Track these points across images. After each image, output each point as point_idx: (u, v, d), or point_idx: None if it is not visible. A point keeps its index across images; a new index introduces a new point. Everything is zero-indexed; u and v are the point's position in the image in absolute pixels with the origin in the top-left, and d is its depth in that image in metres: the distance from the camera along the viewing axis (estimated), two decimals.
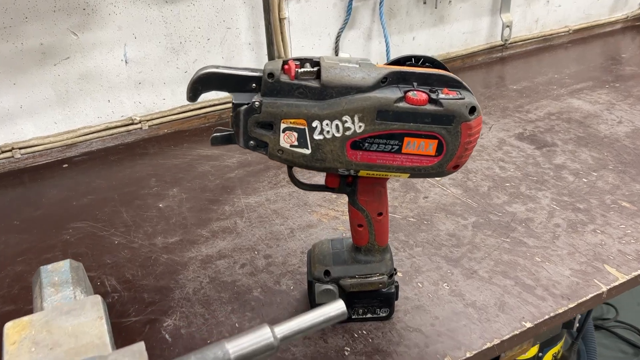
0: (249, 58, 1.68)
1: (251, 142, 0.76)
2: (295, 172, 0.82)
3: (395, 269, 0.91)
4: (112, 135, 1.58)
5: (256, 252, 1.10)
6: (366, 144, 0.75)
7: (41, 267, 0.90)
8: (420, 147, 0.75)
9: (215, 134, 0.79)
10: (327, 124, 0.73)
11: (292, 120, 0.73)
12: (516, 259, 1.05)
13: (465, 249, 1.09)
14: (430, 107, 0.72)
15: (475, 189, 1.30)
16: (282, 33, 1.65)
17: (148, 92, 1.59)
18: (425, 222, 1.19)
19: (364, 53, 1.87)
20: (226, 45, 1.64)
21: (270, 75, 0.73)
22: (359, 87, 0.72)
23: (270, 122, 0.74)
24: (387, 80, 0.73)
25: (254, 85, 0.75)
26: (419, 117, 0.72)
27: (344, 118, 0.72)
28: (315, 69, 0.74)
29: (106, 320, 0.66)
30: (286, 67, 0.74)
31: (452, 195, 1.28)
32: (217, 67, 0.75)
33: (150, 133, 1.63)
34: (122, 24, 1.48)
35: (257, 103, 0.73)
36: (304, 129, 0.74)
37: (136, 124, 1.59)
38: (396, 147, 0.75)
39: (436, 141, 0.75)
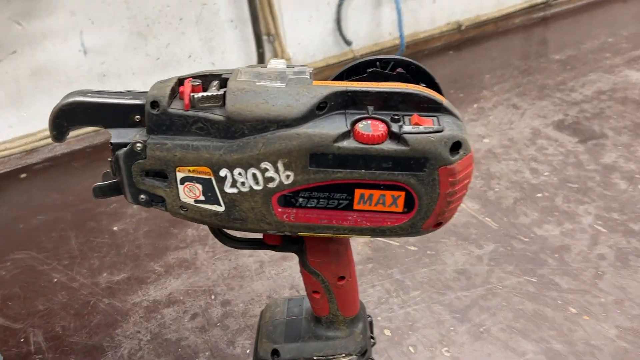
0: (233, 38, 1.44)
1: (141, 196, 0.54)
2: None
3: (372, 340, 0.68)
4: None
5: (213, 297, 0.90)
6: (300, 200, 0.51)
7: None
8: (381, 202, 0.51)
9: (98, 184, 0.57)
10: (239, 173, 0.50)
11: (191, 168, 0.50)
12: (543, 310, 0.81)
13: (477, 293, 0.85)
14: (389, 145, 0.48)
15: (497, 201, 1.04)
16: (270, 5, 1.39)
17: (115, 85, 1.38)
18: (428, 252, 0.94)
19: (372, 24, 1.59)
20: (203, 25, 1.40)
21: (154, 104, 0.50)
22: (281, 120, 0.48)
23: (163, 170, 0.51)
24: (326, 106, 0.49)
25: (137, 117, 0.52)
26: (374, 162, 0.48)
27: (263, 165, 0.49)
28: (221, 92, 0.50)
29: None
30: (180, 89, 0.51)
31: (466, 211, 1.02)
32: (85, 93, 0.53)
33: None
34: (74, 8, 1.27)
35: (138, 145, 0.50)
36: (210, 179, 0.51)
37: None
38: (345, 202, 0.51)
39: (403, 193, 0.50)
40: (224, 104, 0.51)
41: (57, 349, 0.85)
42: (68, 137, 0.55)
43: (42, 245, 1.08)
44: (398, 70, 0.56)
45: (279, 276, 0.93)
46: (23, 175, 1.33)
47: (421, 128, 0.49)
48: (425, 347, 0.77)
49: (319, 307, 0.65)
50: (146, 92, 0.54)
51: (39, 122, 1.36)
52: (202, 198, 0.53)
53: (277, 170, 0.50)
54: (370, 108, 0.51)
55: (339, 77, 0.56)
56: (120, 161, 0.53)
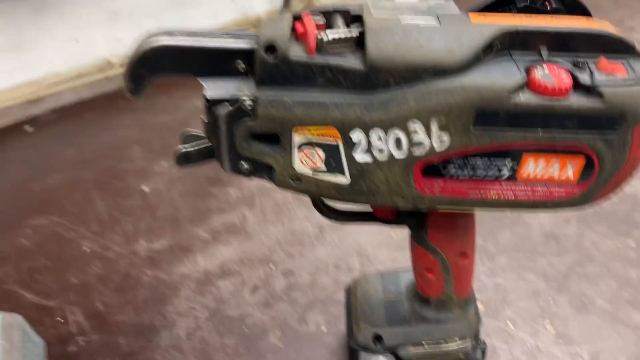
0: None
1: (243, 164, 0.43)
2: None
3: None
4: (86, 84, 1.25)
5: (272, 266, 0.81)
6: (452, 169, 0.41)
7: None
8: (552, 170, 0.41)
9: (184, 149, 0.46)
10: (379, 137, 0.40)
11: (314, 130, 0.40)
12: None
13: (571, 258, 0.77)
14: (579, 100, 0.38)
15: None
16: None
17: (127, 25, 1.23)
18: (508, 213, 0.86)
19: None
20: None
21: (270, 48, 0.39)
22: (440, 68, 0.37)
23: (275, 133, 0.41)
24: (493, 49, 0.38)
25: (242, 65, 0.41)
26: (556, 120, 0.38)
27: (412, 126, 0.39)
28: (355, 32, 0.39)
29: None
30: (299, 29, 0.40)
31: None
32: (172, 33, 0.41)
33: None
34: None
35: (248, 101, 0.39)
36: (337, 145, 0.41)
37: (115, 67, 1.25)
38: (507, 171, 0.41)
39: (582, 158, 0.40)
40: (358, 47, 0.40)
41: (101, 329, 0.75)
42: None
43: (63, 208, 0.97)
44: (553, 3, 0.45)
45: (343, 242, 0.84)
46: (29, 129, 1.20)
47: (618, 78, 0.38)
48: (525, 321, 0.70)
49: (430, 287, 0.56)
50: (248, 32, 0.42)
51: (43, 67, 1.22)
52: (322, 167, 0.43)
53: (429, 133, 0.40)
54: (544, 52, 0.40)
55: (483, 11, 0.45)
56: (221, 121, 0.42)
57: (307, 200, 0.90)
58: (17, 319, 0.66)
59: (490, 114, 0.39)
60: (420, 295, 0.58)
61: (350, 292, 0.63)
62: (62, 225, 0.94)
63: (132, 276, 0.83)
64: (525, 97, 0.38)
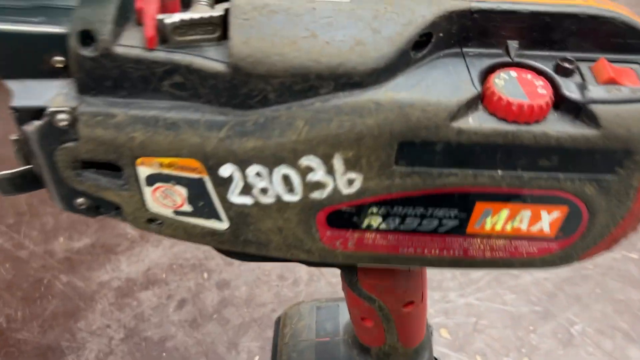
0: None
1: (77, 200, 0.30)
2: None
3: None
4: None
5: (206, 275, 0.68)
6: (370, 219, 0.28)
7: None
8: (519, 222, 0.28)
9: (4, 173, 0.32)
10: (258, 174, 0.26)
11: (164, 161, 0.26)
12: None
13: (561, 275, 0.65)
14: (558, 122, 0.24)
15: None
16: None
17: None
18: None
19: None
20: None
21: (86, 37, 0.24)
22: (344, 75, 0.23)
23: (110, 162, 0.27)
24: (429, 42, 0.24)
25: (58, 59, 0.27)
26: (525, 156, 0.24)
27: (304, 161, 0.25)
28: (219, 10, 0.24)
29: None
30: (137, 4, 0.25)
31: None
32: None
33: None
34: None
35: (62, 115, 0.25)
36: (201, 179, 0.27)
37: None
38: (453, 223, 0.28)
39: (564, 208, 0.27)
40: (224, 36, 0.26)
41: (0, 349, 0.64)
42: None
43: None
44: None
45: None
46: None
47: (624, 92, 0.24)
48: (497, 356, 0.58)
49: (370, 337, 0.44)
50: (72, 8, 0.28)
51: None
52: (187, 209, 0.29)
53: (330, 171, 0.26)
54: (513, 44, 0.26)
55: None
56: (32, 142, 0.28)
57: None
58: None
59: (422, 147, 0.25)
60: (360, 343, 0.46)
61: (277, 327, 0.51)
62: None
63: (43, 282, 0.71)
64: (477, 121, 0.24)
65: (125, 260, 0.72)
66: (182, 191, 0.29)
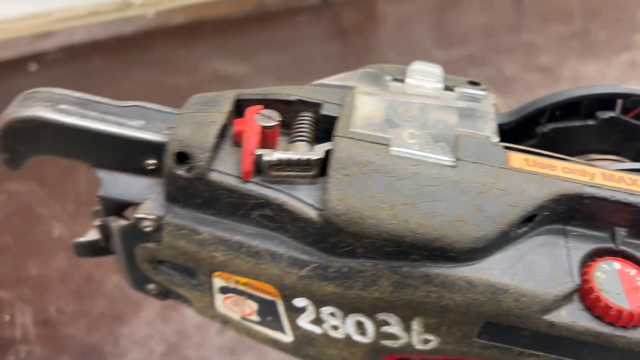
0: None
1: (149, 286, 0.31)
2: None
3: None
4: (100, 22, 1.12)
5: None
6: None
7: None
8: None
9: (82, 240, 0.34)
10: (332, 314, 0.26)
11: (240, 279, 0.26)
12: None
13: None
14: None
15: None
16: None
17: None
18: None
19: None
20: None
21: (183, 158, 0.24)
22: (440, 248, 0.22)
23: (187, 267, 0.28)
24: (532, 220, 0.23)
25: (151, 162, 0.27)
26: (614, 356, 0.23)
27: (382, 317, 0.24)
28: (319, 153, 0.24)
29: None
30: (237, 127, 0.25)
31: None
32: (58, 101, 0.28)
33: (158, 22, 1.16)
34: None
35: (148, 224, 0.26)
36: (273, 302, 0.27)
37: (134, 8, 1.12)
38: None
39: None
40: (319, 174, 0.26)
41: (47, 341, 0.67)
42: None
43: (45, 176, 0.88)
44: None
45: None
46: (33, 67, 1.09)
47: None
48: None
49: None
50: (175, 114, 0.28)
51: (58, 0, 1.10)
52: (255, 318, 0.30)
53: (407, 329, 0.26)
54: (621, 231, 0.25)
55: (529, 116, 0.29)
56: (116, 235, 0.29)
57: None
58: None
59: (507, 330, 0.24)
60: None
61: None
62: (38, 198, 0.85)
63: (95, 279, 0.73)
64: (571, 316, 0.24)
65: None
66: (252, 305, 0.29)
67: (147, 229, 0.28)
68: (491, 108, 0.27)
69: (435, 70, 0.30)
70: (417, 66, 0.30)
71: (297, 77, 0.95)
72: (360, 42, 1.13)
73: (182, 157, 0.26)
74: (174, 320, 0.69)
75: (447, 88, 0.29)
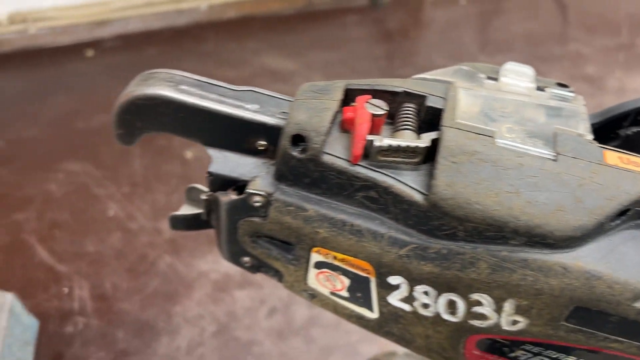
0: None
1: (244, 258, 0.33)
2: None
3: None
4: (155, 13, 1.15)
5: None
6: (518, 352, 0.29)
7: None
8: None
9: (178, 214, 0.36)
10: (425, 293, 0.27)
11: (338, 256, 0.28)
12: None
13: None
14: None
15: None
16: None
17: None
18: None
19: None
20: None
21: (298, 140, 0.27)
22: (539, 235, 0.24)
23: (286, 242, 0.30)
24: (626, 214, 0.25)
25: (261, 143, 0.29)
26: None
27: (474, 297, 0.26)
28: (425, 142, 0.26)
29: None
30: (347, 115, 0.27)
31: None
32: (180, 81, 0.30)
33: (210, 15, 1.18)
34: None
35: (257, 198, 0.28)
36: (367, 278, 0.29)
37: (190, 0, 1.15)
38: None
39: None
40: (423, 162, 0.27)
41: (103, 314, 0.70)
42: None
43: (100, 158, 0.91)
44: None
45: None
46: (89, 53, 1.13)
47: None
48: None
49: None
50: (287, 99, 0.30)
51: None
52: (344, 294, 0.32)
53: (498, 310, 0.28)
54: None
55: (613, 118, 0.31)
56: (221, 209, 0.31)
57: None
58: (8, 299, 0.61)
59: (596, 315, 0.26)
60: None
61: None
62: (94, 178, 0.88)
63: (149, 259, 0.76)
64: None
65: None
66: (345, 281, 0.31)
67: (256, 204, 0.30)
68: (583, 108, 0.29)
69: (528, 70, 0.31)
70: (511, 66, 0.32)
71: (345, 75, 0.97)
72: (406, 45, 1.15)
73: (298, 139, 0.28)
74: (224, 302, 0.71)
75: (539, 88, 0.31)
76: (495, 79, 0.31)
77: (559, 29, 1.17)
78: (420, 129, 0.28)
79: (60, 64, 1.11)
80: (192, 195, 0.38)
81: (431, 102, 0.29)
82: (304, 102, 0.29)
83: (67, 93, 1.05)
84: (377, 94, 0.29)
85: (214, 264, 0.75)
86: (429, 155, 0.27)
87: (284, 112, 0.29)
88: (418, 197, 0.26)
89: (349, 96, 0.29)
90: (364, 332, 0.69)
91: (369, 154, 0.27)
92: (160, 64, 1.06)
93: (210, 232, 0.81)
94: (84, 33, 1.16)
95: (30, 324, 0.65)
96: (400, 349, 0.64)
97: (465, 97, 0.29)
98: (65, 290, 0.73)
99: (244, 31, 1.17)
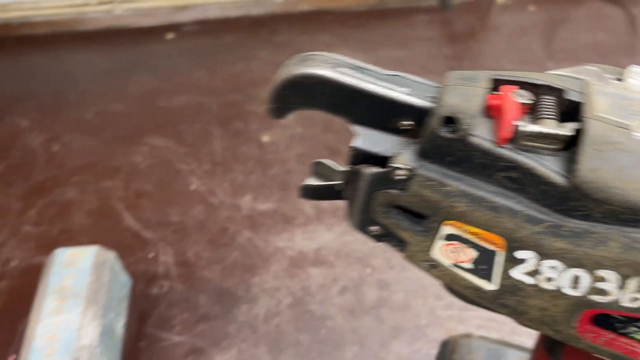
0: None
1: (373, 228, 0.36)
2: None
3: None
4: (235, 1, 1.20)
5: (369, 271, 0.75)
6: (631, 328, 0.32)
7: (57, 250, 0.64)
8: None
9: (310, 183, 0.39)
10: (552, 267, 0.30)
11: (472, 229, 0.32)
12: None
13: None
14: None
15: None
16: None
17: None
18: None
19: None
20: None
21: (450, 121, 0.30)
22: None
23: (421, 214, 0.33)
24: None
25: (404, 122, 0.33)
26: None
27: (601, 273, 0.29)
28: (569, 130, 0.29)
29: None
30: (492, 102, 0.31)
31: None
32: (338, 64, 0.33)
33: (285, 7, 1.22)
34: None
35: (402, 172, 0.31)
36: (494, 252, 0.32)
37: None
38: None
39: None
40: (563, 149, 0.30)
41: (186, 279, 0.75)
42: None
43: (182, 136, 0.96)
44: None
45: None
46: (169, 36, 1.18)
47: None
48: None
49: None
50: (433, 86, 0.34)
51: None
52: (467, 266, 0.35)
53: (621, 287, 0.30)
54: None
55: None
56: (362, 181, 0.35)
57: None
58: (111, 256, 0.66)
59: None
60: None
61: (445, 350, 0.56)
62: (176, 154, 0.93)
63: (229, 232, 0.81)
64: None
65: (300, 235, 0.80)
66: (471, 253, 0.34)
67: (399, 177, 0.33)
68: None
69: None
70: (636, 69, 0.34)
71: (416, 73, 0.99)
72: (475, 47, 1.16)
73: (448, 121, 0.31)
74: (299, 277, 0.75)
75: None
76: (621, 80, 0.34)
77: (627, 40, 1.17)
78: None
79: (142, 44, 1.17)
80: (318, 169, 0.42)
81: (570, 96, 0.32)
82: (454, 87, 0.32)
83: (149, 73, 1.10)
84: (519, 85, 0.32)
85: (289, 241, 0.79)
86: (568, 143, 0.30)
87: (432, 97, 0.33)
88: (559, 180, 0.29)
89: (493, 86, 0.32)
90: (432, 316, 0.72)
91: (514, 138, 0.30)
92: (239, 50, 1.10)
93: (288, 212, 0.86)
94: (165, 16, 1.21)
95: (125, 281, 0.70)
96: (475, 332, 0.66)
97: (599, 94, 0.32)
98: (151, 255, 0.78)
99: (316, 25, 1.21)
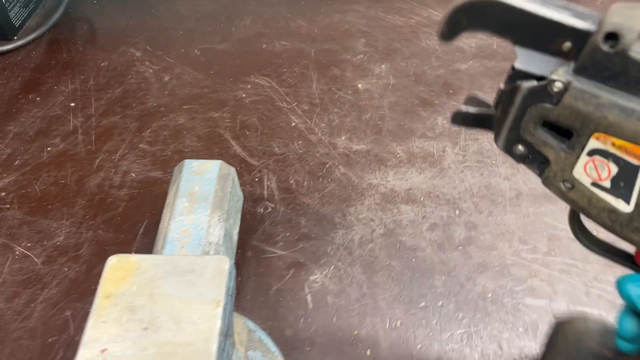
0: None
1: (518, 146, 0.41)
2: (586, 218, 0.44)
3: None
4: None
5: (457, 212, 0.79)
6: None
7: (186, 160, 0.70)
8: None
9: (462, 110, 0.44)
10: None
11: (618, 142, 0.36)
12: None
13: None
14: None
15: None
16: None
17: None
18: None
19: None
20: None
21: (611, 37, 0.34)
22: None
23: (569, 128, 0.37)
24: None
25: (566, 44, 0.36)
26: None
27: None
28: None
29: (227, 294, 0.48)
30: None
31: None
32: None
33: None
34: None
35: (558, 84, 0.36)
36: (637, 166, 0.36)
37: None
38: None
39: None
40: None
41: (289, 203, 0.80)
42: None
43: (283, 77, 1.01)
44: None
45: (538, 219, 0.79)
46: None
47: None
48: None
49: None
50: (590, 12, 0.37)
51: None
52: (605, 184, 0.39)
53: None
54: None
55: None
56: (519, 95, 0.39)
57: (511, 161, 0.87)
58: (232, 171, 0.72)
59: None
60: None
61: (557, 329, 0.58)
62: (278, 93, 0.98)
63: (326, 166, 0.86)
64: None
65: (393, 175, 0.85)
66: (613, 169, 0.38)
67: (555, 90, 0.37)
68: None
69: None
70: None
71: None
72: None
73: (611, 36, 0.34)
74: (391, 212, 0.80)
75: None
76: None
77: None
78: None
79: None
80: (468, 102, 0.46)
81: None
82: (619, 8, 0.35)
83: (251, 17, 1.15)
84: None
85: (382, 180, 0.84)
86: None
87: (593, 21, 0.36)
88: None
89: None
90: (517, 257, 0.76)
91: None
92: (335, 3, 1.14)
93: (380, 154, 0.90)
94: None
95: (240, 195, 0.76)
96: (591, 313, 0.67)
97: None
98: (257, 178, 0.84)
99: None
